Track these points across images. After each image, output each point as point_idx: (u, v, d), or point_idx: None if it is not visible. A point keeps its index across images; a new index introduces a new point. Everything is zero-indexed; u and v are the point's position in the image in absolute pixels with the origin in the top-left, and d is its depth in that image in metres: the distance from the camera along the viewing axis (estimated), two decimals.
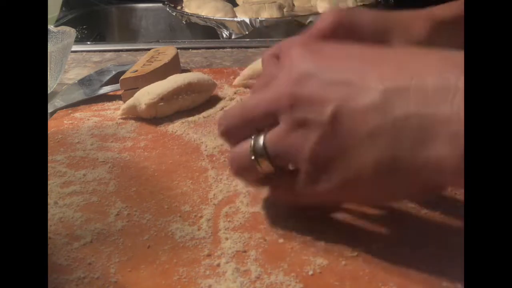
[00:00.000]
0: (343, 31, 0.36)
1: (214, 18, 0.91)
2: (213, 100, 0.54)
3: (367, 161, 0.27)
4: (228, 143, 0.34)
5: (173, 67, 0.60)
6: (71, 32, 0.61)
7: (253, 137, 0.31)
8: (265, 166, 0.31)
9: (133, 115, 0.50)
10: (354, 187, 0.29)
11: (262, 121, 0.31)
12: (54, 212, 0.35)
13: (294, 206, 0.34)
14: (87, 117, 0.51)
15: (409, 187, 0.28)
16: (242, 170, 0.33)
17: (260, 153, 0.30)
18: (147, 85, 0.52)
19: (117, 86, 0.55)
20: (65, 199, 0.37)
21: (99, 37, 1.11)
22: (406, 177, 0.27)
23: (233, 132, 0.33)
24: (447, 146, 0.25)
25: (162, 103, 0.49)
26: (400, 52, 0.30)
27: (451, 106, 0.25)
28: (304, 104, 0.29)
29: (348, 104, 0.27)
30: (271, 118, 0.30)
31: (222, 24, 0.90)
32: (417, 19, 0.39)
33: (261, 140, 0.30)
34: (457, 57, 0.26)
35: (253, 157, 0.31)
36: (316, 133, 0.28)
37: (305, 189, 0.30)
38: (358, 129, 0.27)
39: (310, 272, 0.29)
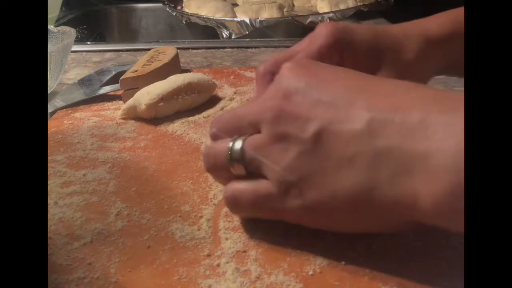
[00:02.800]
0: (337, 46, 0.38)
1: (214, 18, 0.91)
2: (213, 100, 0.54)
3: (343, 185, 0.27)
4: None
5: (173, 67, 0.60)
6: (71, 32, 0.61)
7: (232, 139, 0.31)
8: (239, 170, 0.31)
9: (133, 115, 0.50)
10: (325, 210, 0.29)
11: (247, 130, 0.31)
12: (54, 212, 0.35)
13: (250, 215, 0.33)
14: (87, 117, 0.51)
15: (383, 219, 0.28)
16: (215, 167, 0.33)
17: (237, 156, 0.31)
18: (147, 85, 0.52)
19: (117, 86, 0.55)
20: (65, 199, 0.37)
21: (99, 37, 1.11)
22: (380, 208, 0.27)
23: (221, 137, 0.33)
24: (423, 182, 0.25)
25: (162, 103, 0.49)
26: (386, 82, 0.30)
27: (430, 142, 0.25)
28: (288, 119, 0.29)
29: (333, 126, 0.28)
30: (255, 128, 0.31)
31: (222, 24, 0.90)
32: (409, 38, 0.41)
33: (239, 143, 0.31)
34: (439, 94, 0.27)
35: (229, 159, 0.31)
36: (296, 149, 0.28)
37: (272, 202, 0.30)
38: (339, 152, 0.27)
39: (310, 272, 0.29)
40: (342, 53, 0.38)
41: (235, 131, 0.32)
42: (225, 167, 0.32)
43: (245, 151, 0.31)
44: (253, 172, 0.31)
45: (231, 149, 0.31)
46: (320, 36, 0.37)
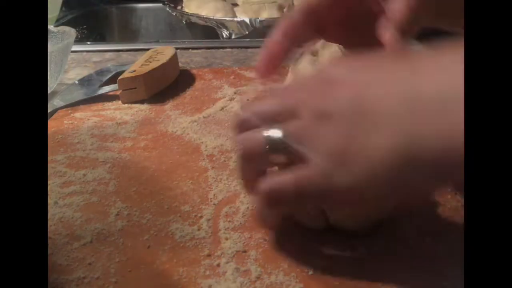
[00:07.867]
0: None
1: (214, 18, 0.91)
2: (213, 100, 0.54)
3: (385, 146, 0.26)
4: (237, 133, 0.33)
5: (171, 67, 0.60)
6: (71, 32, 0.61)
7: (268, 128, 0.30)
8: (278, 158, 0.30)
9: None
10: (372, 181, 0.27)
11: (283, 117, 0.30)
12: (54, 212, 0.35)
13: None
14: (87, 117, 0.51)
15: (424, 182, 0.27)
16: (251, 157, 0.31)
17: (277, 145, 0.29)
18: (145, 85, 0.52)
19: (116, 86, 0.55)
20: (65, 199, 0.37)
21: (99, 37, 1.11)
22: (422, 168, 0.26)
23: (247, 123, 0.32)
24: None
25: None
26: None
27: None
28: (330, 98, 0.29)
29: (370, 91, 0.28)
30: (293, 114, 0.30)
31: (222, 24, 0.90)
32: None
33: (277, 131, 0.29)
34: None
35: (267, 147, 0.29)
36: (337, 123, 0.28)
37: (318, 186, 0.28)
38: (377, 111, 0.27)
39: (310, 272, 0.29)
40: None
41: (269, 119, 0.31)
42: (261, 158, 0.30)
43: (287, 138, 0.29)
44: (294, 159, 0.29)
45: (269, 137, 0.30)
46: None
